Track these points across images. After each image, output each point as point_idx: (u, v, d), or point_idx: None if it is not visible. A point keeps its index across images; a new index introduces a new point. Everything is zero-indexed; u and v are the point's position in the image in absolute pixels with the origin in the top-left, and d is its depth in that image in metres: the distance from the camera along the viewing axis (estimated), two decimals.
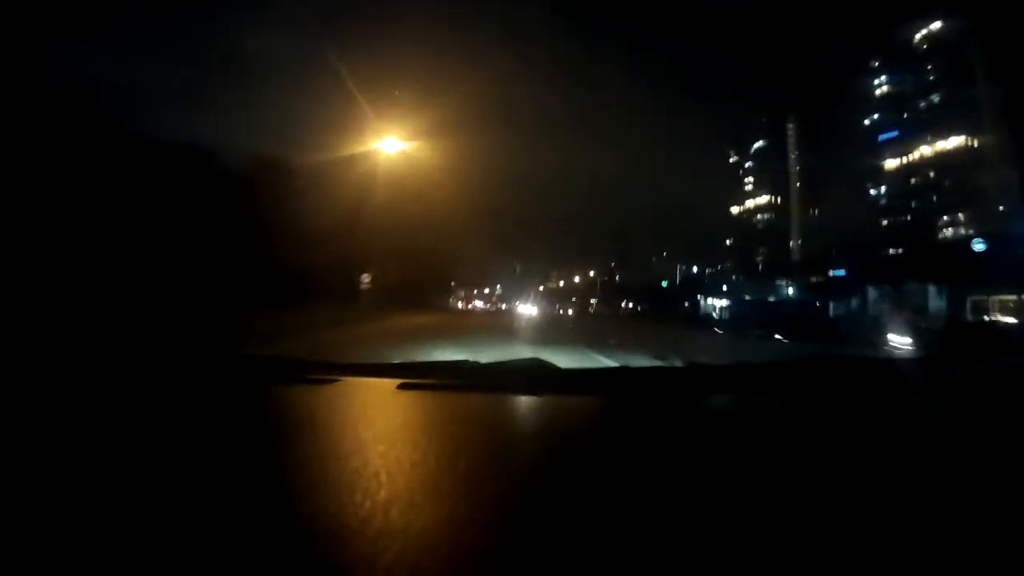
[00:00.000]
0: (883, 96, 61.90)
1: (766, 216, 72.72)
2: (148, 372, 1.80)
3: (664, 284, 73.76)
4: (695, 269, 78.69)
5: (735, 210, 76.90)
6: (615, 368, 4.25)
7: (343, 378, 1.68)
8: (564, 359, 4.02)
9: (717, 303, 54.32)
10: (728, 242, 76.27)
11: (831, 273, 44.11)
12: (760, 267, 67.74)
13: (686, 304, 59.67)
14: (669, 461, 1.04)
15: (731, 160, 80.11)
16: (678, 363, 4.98)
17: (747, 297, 48.39)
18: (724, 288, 59.88)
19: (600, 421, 1.43)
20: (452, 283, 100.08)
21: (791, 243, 69.65)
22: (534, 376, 1.82)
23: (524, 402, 1.52)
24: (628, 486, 0.89)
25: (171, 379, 1.72)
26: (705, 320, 39.14)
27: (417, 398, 1.54)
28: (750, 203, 75.00)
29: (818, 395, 1.60)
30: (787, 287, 55.69)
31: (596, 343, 12.37)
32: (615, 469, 0.99)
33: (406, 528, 0.70)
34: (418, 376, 1.75)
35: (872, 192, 61.29)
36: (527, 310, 53.74)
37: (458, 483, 0.87)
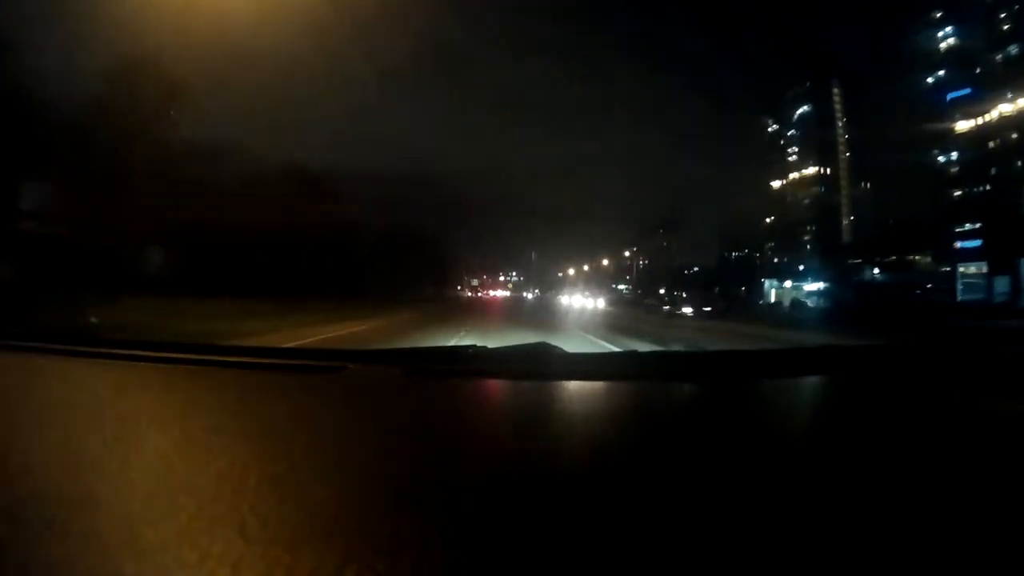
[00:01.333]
0: (948, 51, 54.35)
1: (813, 191, 65.35)
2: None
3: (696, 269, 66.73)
4: (731, 254, 71.65)
5: (776, 184, 69.50)
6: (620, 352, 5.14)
7: (351, 365, 1.68)
8: None
9: (785, 289, 47.03)
10: (768, 220, 68.97)
11: (958, 245, 36.44)
12: (808, 247, 60.61)
13: (742, 291, 52.74)
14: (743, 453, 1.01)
15: (769, 130, 72.65)
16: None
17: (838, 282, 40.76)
18: (784, 271, 52.91)
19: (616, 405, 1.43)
20: (466, 272, 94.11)
21: (844, 220, 62.43)
22: (542, 360, 1.83)
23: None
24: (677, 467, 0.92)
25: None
26: (801, 312, 31.69)
27: (426, 383, 1.57)
28: (795, 175, 67.48)
29: None
30: (864, 269, 48.61)
31: None
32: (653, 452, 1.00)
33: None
34: (426, 362, 1.80)
35: (940, 160, 53.84)
36: (583, 302, 45.24)
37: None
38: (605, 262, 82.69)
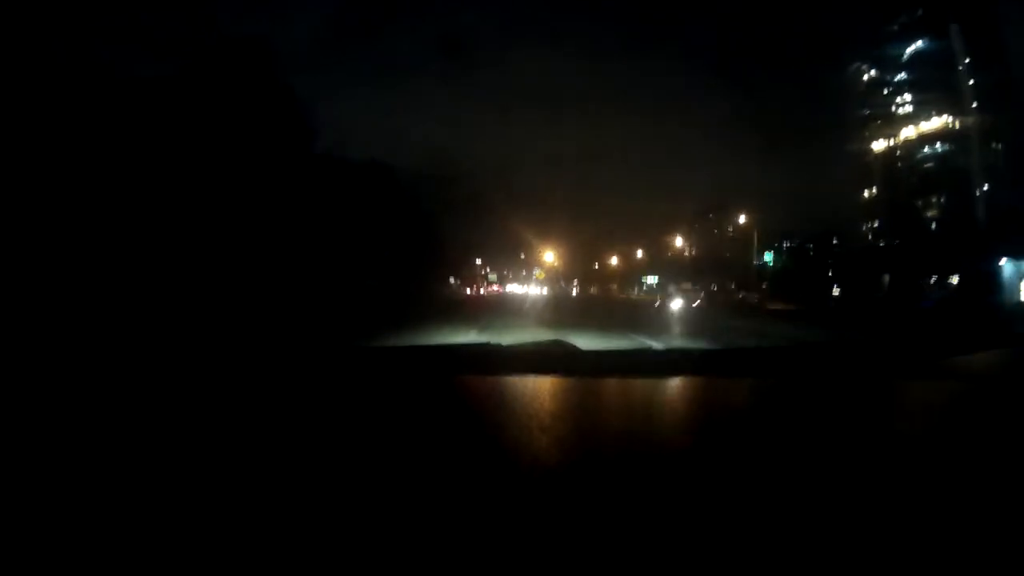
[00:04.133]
0: None
1: (939, 149, 48.38)
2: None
3: (768, 258, 49.89)
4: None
5: (880, 146, 52.56)
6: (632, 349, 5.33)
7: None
8: None
9: None
10: (868, 194, 52.05)
11: None
12: (935, 224, 43.84)
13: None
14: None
15: (866, 77, 55.64)
16: None
17: None
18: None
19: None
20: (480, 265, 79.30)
21: (976, 190, 45.35)
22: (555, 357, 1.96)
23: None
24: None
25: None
26: None
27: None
28: (910, 133, 50.41)
29: None
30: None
31: None
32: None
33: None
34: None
35: None
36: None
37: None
38: (636, 253, 66.74)
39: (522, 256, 70.96)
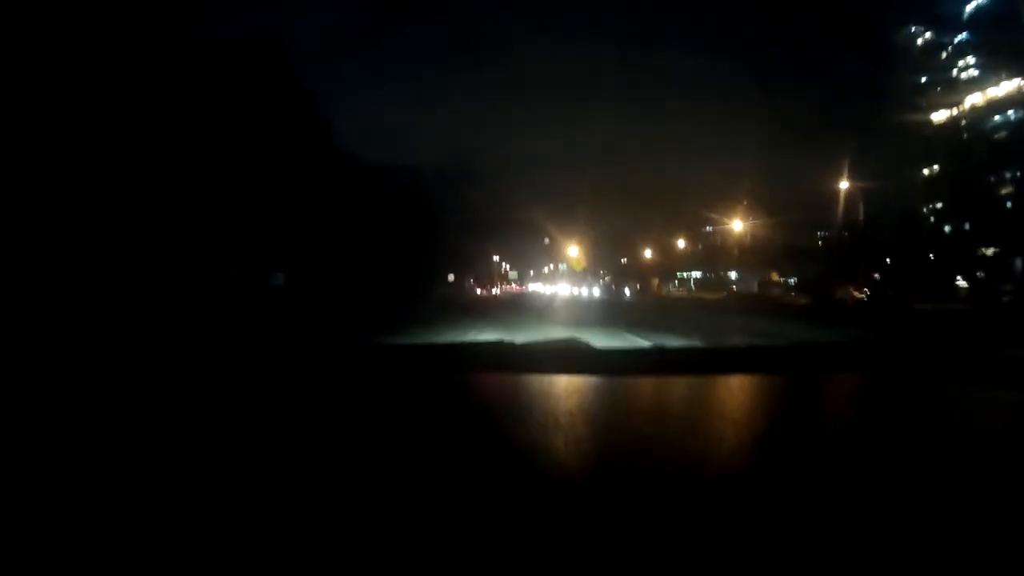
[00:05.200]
0: None
1: (1011, 116, 42.60)
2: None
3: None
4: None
5: (940, 117, 46.86)
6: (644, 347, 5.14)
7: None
8: None
9: None
10: (928, 172, 46.42)
11: None
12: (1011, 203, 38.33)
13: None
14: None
15: (920, 40, 49.89)
16: None
17: None
18: None
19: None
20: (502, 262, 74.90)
21: None
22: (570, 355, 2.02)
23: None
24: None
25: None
26: None
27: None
28: (976, 99, 44.60)
29: None
30: None
31: None
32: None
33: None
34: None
35: None
36: None
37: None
38: (677, 243, 58.06)
39: (546, 240, 65.29)
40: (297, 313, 14.07)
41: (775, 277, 44.20)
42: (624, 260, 64.02)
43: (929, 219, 44.68)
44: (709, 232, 52.59)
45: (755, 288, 42.73)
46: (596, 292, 51.19)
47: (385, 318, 13.96)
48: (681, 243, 54.53)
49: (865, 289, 32.67)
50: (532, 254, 74.89)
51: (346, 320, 12.82)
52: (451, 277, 46.02)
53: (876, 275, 37.24)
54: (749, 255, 45.08)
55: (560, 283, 65.55)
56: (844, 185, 37.12)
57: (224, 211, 21.48)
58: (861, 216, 38.04)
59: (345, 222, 27.03)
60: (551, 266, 76.38)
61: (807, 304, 28.11)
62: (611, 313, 19.40)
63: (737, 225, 44.42)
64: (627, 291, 47.90)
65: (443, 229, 40.60)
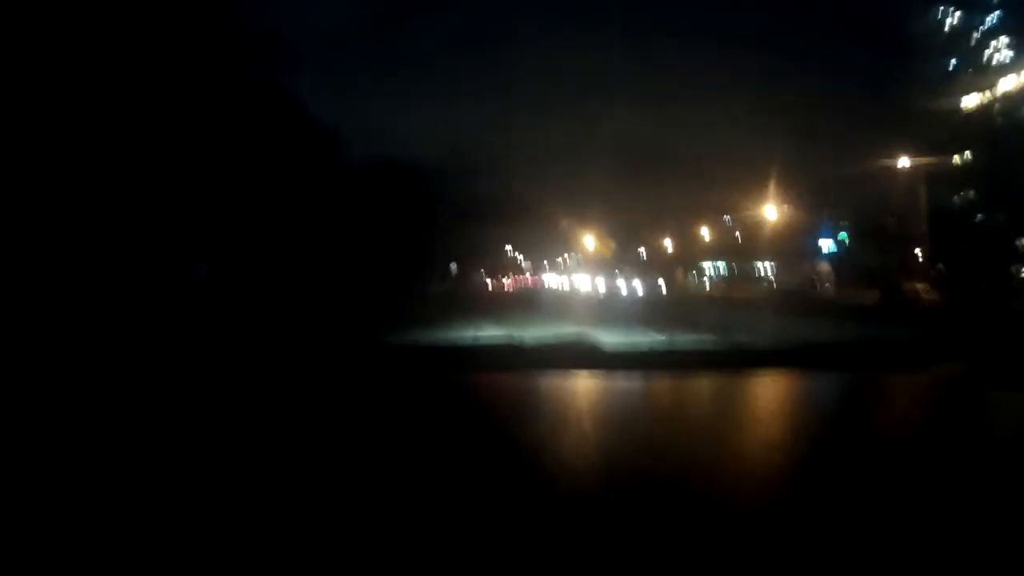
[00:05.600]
0: None
1: None
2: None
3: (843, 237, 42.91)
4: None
5: (971, 102, 45.47)
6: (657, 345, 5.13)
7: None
8: None
9: None
10: (960, 159, 45.17)
11: None
12: None
13: None
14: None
15: (950, 22, 48.30)
16: None
17: None
18: None
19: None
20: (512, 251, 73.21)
21: None
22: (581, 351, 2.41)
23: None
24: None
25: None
26: None
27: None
28: (1010, 84, 43.11)
29: None
30: None
31: None
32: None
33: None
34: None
35: None
36: None
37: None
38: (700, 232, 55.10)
39: (562, 225, 62.72)
40: (247, 314, 12.85)
41: (826, 268, 37.83)
42: (642, 251, 61.88)
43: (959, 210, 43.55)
44: (730, 222, 50.23)
45: (798, 281, 36.62)
46: (627, 285, 46.05)
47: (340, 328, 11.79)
48: (705, 232, 50.88)
49: (926, 284, 28.38)
50: (546, 244, 73.14)
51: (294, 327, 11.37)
52: (453, 268, 43.26)
53: (939, 266, 33.09)
54: (791, 242, 39.77)
55: (577, 274, 63.38)
56: (903, 164, 34.04)
57: (194, 200, 19.92)
58: (923, 201, 33.96)
59: (309, 213, 24.80)
60: (565, 256, 74.62)
61: (874, 303, 24.51)
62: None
63: (770, 212, 39.23)
64: (661, 284, 43.81)
65: (439, 218, 38.49)
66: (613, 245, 58.44)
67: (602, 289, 46.84)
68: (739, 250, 49.39)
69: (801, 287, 34.48)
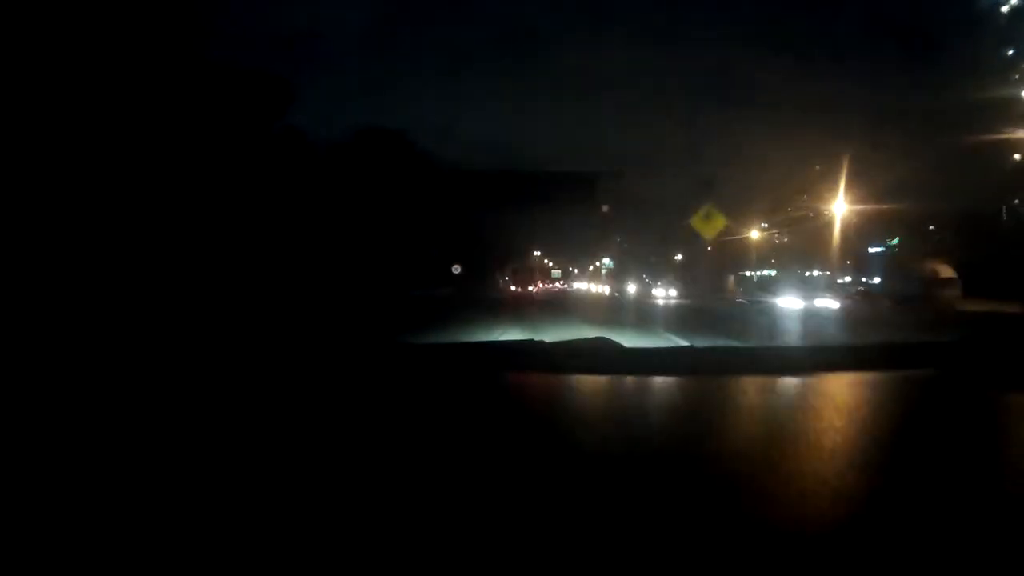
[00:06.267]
0: None
1: None
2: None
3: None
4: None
5: None
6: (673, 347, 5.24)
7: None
8: None
9: None
10: (1020, 157, 41.82)
11: None
12: None
13: None
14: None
15: (1006, 7, 44.70)
16: None
17: None
18: None
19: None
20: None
21: None
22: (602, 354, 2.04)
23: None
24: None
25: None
26: None
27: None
28: None
29: None
30: None
31: None
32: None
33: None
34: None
35: None
36: None
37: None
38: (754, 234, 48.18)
39: (604, 208, 58.86)
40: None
41: (946, 270, 28.55)
42: (679, 257, 58.64)
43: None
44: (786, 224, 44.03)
45: (912, 288, 26.81)
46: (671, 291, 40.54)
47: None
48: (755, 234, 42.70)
49: None
50: (576, 251, 71.06)
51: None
52: (456, 269, 38.84)
53: None
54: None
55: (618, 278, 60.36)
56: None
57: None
58: None
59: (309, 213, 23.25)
60: (596, 264, 72.62)
61: None
62: None
63: (838, 208, 30.24)
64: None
65: (443, 213, 35.76)
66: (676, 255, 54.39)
67: (661, 293, 41.64)
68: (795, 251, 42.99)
69: (928, 294, 25.51)
